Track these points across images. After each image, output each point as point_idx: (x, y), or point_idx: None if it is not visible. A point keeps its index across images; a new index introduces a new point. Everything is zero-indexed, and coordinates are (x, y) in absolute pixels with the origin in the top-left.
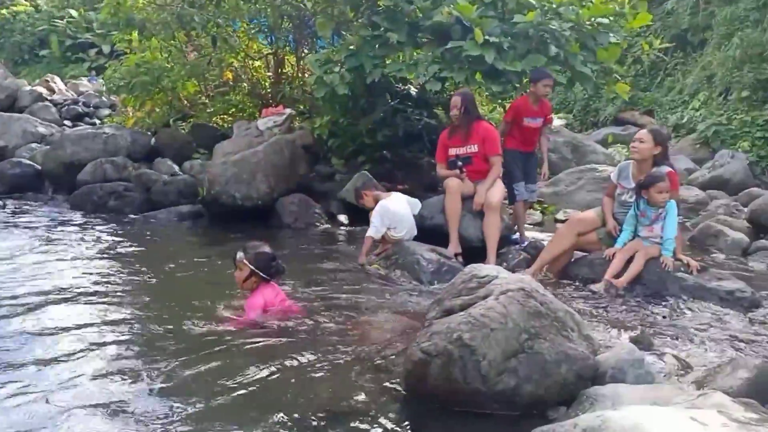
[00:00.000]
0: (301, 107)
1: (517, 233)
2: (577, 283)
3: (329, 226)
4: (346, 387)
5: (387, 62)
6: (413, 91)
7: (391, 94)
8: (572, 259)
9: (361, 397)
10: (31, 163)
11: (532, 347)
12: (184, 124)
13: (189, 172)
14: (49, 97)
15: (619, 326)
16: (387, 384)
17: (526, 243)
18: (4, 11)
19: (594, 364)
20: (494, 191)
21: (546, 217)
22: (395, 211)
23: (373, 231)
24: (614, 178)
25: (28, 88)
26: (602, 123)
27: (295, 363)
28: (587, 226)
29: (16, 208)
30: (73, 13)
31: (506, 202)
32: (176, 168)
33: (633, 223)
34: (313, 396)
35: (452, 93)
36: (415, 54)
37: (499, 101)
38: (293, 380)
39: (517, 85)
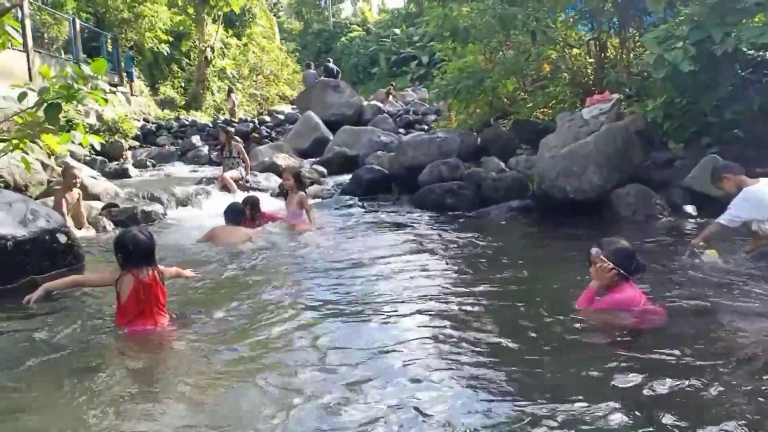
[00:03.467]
0: (627, 90)
1: None
2: None
3: (673, 218)
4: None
5: (740, 29)
6: None
7: (741, 64)
8: None
9: None
10: (381, 168)
11: None
12: (504, 121)
13: (515, 168)
14: (384, 109)
15: None
16: None
17: None
18: (343, 39)
19: None
20: None
21: None
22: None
23: (727, 218)
24: None
25: (366, 103)
26: None
27: (671, 371)
28: None
29: (372, 208)
30: (396, 31)
31: None
32: (502, 165)
33: None
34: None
35: None
36: None
37: None
38: (675, 391)
39: None
